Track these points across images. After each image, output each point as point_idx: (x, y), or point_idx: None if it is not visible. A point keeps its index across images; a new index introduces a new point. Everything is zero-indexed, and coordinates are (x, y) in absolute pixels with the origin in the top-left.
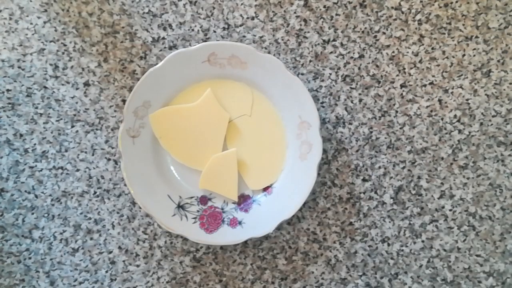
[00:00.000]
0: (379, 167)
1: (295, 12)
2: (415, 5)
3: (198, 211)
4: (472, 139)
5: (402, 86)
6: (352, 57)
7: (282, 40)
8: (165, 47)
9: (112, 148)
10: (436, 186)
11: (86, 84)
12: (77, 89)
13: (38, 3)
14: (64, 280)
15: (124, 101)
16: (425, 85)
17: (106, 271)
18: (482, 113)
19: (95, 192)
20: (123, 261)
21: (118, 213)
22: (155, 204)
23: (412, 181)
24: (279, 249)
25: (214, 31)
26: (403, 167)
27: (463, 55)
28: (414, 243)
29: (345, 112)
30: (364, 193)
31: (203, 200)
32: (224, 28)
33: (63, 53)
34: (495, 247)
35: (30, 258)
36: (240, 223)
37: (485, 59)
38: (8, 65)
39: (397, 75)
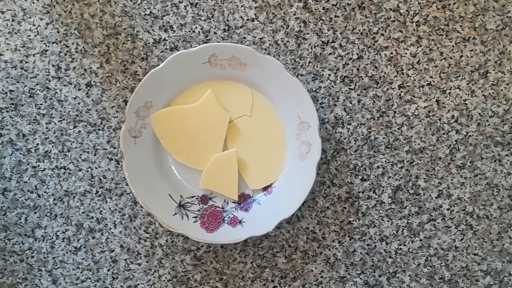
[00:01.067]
0: (378, 167)
1: (294, 14)
2: (413, 7)
3: (198, 210)
4: (470, 139)
5: (400, 87)
6: (351, 58)
7: (282, 41)
8: (166, 49)
9: (114, 148)
10: (434, 185)
11: (88, 85)
12: (79, 90)
13: (41, 5)
14: (66, 279)
15: (125, 101)
16: (423, 86)
17: (108, 270)
18: (479, 114)
19: (97, 192)
20: (125, 259)
21: (119, 212)
22: (156, 204)
23: (410, 181)
24: (279, 247)
25: (215, 33)
26: (401, 167)
27: (461, 56)
28: (412, 242)
29: (344, 113)
30: (362, 192)
31: (204, 199)
32: (224, 30)
33: (65, 54)
34: (493, 246)
35: (32, 257)
36: (240, 222)
37: (482, 60)
38: (11, 66)
39: (395, 76)
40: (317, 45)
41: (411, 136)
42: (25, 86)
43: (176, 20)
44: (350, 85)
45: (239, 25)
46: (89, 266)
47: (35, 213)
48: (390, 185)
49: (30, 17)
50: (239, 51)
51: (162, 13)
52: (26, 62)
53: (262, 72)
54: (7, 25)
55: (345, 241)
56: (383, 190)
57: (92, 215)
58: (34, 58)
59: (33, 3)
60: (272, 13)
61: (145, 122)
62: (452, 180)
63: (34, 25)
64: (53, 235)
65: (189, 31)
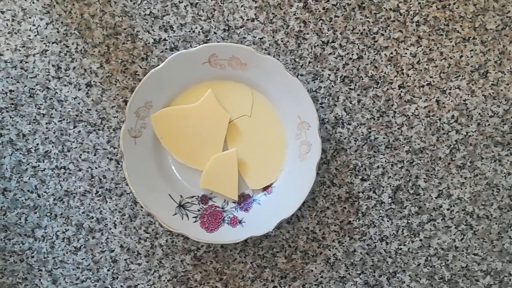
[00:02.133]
0: (378, 167)
1: (294, 14)
2: (413, 7)
3: (198, 210)
4: (470, 139)
5: (400, 87)
6: (351, 58)
7: (282, 41)
8: (166, 49)
9: (114, 148)
10: (434, 185)
11: (88, 85)
12: (79, 90)
13: (41, 5)
14: (66, 279)
15: (125, 101)
16: (423, 86)
17: (108, 270)
18: (479, 114)
19: (97, 192)
20: (125, 259)
21: (119, 212)
22: (156, 204)
23: (410, 181)
24: (279, 247)
25: (215, 33)
26: (401, 167)
27: (461, 56)
28: (412, 242)
29: (344, 113)
30: (362, 192)
31: (204, 199)
32: (224, 30)
33: (65, 54)
34: (493, 246)
35: (32, 257)
36: (240, 222)
37: (482, 60)
38: (11, 66)
39: (395, 76)
40: (317, 45)
41: (411, 136)
42: (25, 86)
43: (176, 20)
44: (350, 85)
45: (239, 25)
46: (89, 266)
47: (35, 213)
48: (390, 185)
49: (30, 17)
50: (239, 51)
51: (162, 13)
52: (26, 62)
53: (262, 72)
54: (7, 25)
55: (345, 241)
56: (383, 190)
57: (92, 215)
58: (34, 58)
59: (33, 3)
60: (272, 13)
61: (145, 122)
62: (452, 180)
63: (34, 25)
64: (53, 235)
65: (189, 31)
